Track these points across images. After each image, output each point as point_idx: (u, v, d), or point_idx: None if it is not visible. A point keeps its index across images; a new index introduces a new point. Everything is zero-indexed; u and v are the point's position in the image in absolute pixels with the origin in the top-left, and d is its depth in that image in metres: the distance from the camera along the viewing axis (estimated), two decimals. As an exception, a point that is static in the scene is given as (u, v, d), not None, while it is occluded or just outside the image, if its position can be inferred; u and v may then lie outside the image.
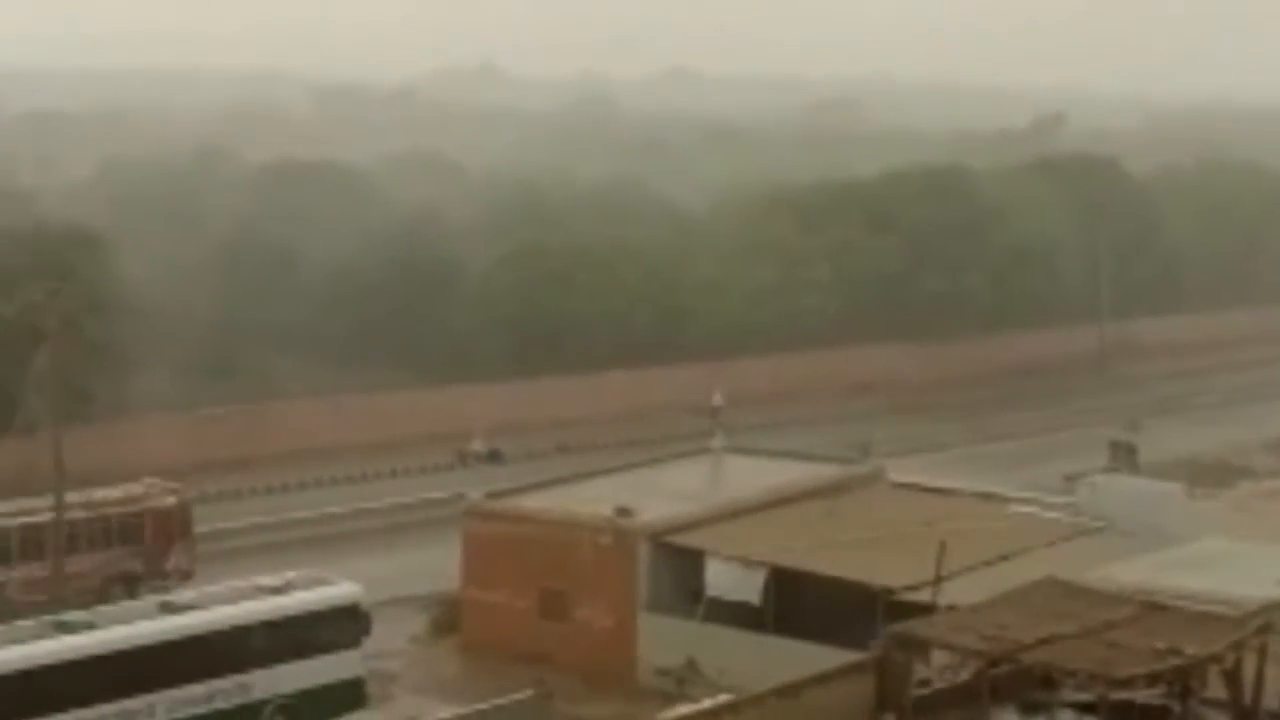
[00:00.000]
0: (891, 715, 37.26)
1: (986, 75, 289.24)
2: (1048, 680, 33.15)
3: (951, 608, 37.48)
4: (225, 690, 39.21)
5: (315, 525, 61.56)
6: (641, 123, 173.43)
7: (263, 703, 39.74)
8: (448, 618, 48.51)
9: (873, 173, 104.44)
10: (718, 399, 54.28)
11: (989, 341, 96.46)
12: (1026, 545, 44.57)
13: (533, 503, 48.78)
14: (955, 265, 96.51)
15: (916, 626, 38.45)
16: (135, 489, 54.49)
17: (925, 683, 36.87)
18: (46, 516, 50.40)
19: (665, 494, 48.95)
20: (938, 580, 38.86)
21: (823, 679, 36.90)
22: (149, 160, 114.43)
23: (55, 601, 46.73)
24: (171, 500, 54.15)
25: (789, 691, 35.76)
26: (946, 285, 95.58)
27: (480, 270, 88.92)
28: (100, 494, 53.39)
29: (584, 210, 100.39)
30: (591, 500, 47.87)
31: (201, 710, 38.72)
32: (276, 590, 41.30)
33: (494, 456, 73.20)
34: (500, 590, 46.77)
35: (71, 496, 50.84)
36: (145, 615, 39.68)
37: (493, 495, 50.17)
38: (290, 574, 42.40)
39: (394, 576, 49.90)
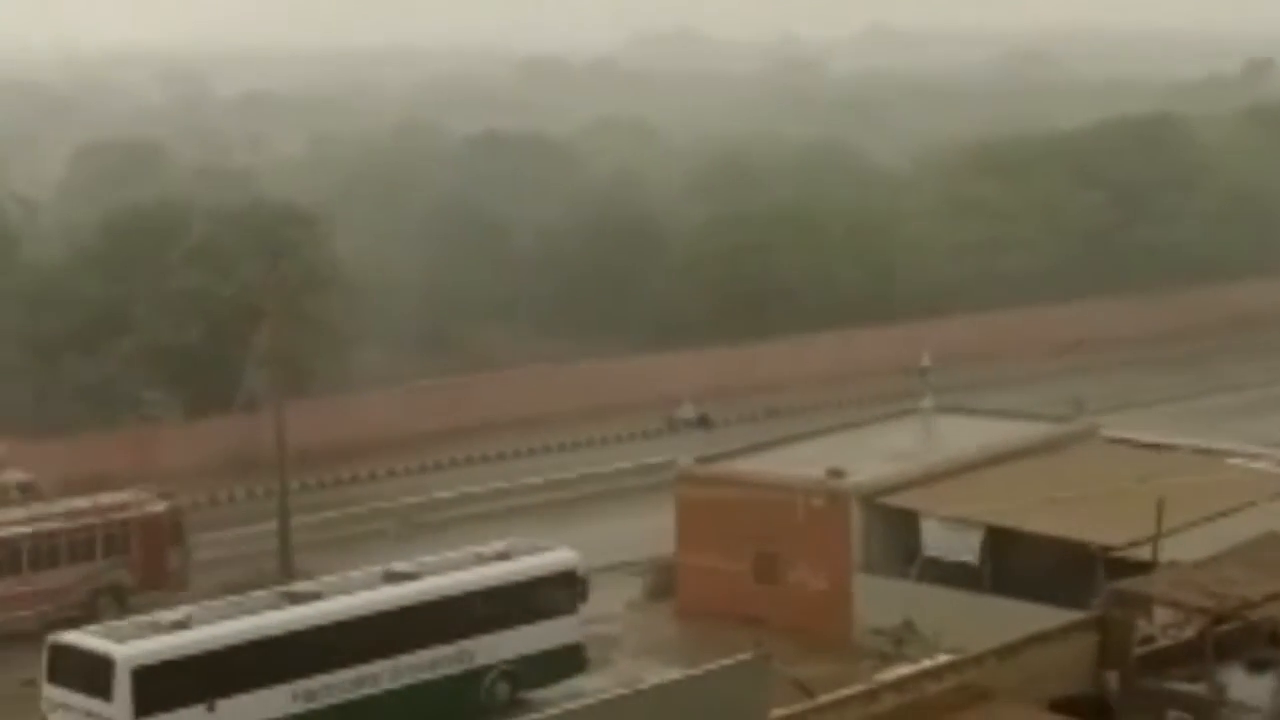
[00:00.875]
0: (1114, 673, 36.89)
1: (1194, 21, 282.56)
2: (1275, 637, 32.64)
3: (1173, 564, 37.00)
4: (449, 657, 39.80)
5: (530, 493, 62.29)
6: (841, 83, 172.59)
7: (485, 669, 40.30)
8: (663, 582, 48.80)
9: (1078, 125, 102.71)
10: (926, 359, 53.79)
11: (1203, 293, 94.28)
12: (1248, 500, 43.73)
13: (744, 466, 48.88)
14: (1167, 216, 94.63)
15: (1138, 583, 38.04)
16: (120, 497, 50.86)
17: (1148, 640, 36.50)
18: (16, 529, 47.91)
19: (876, 455, 48.77)
20: (1157, 536, 38.35)
21: (1043, 638, 36.61)
22: (358, 137, 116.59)
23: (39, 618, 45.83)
24: (160, 507, 50.43)
25: (1010, 651, 35.54)
26: (1158, 237, 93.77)
27: (685, 236, 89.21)
28: (80, 503, 50.01)
29: (787, 172, 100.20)
30: (803, 462, 47.85)
31: (426, 677, 39.34)
32: (496, 558, 41.84)
33: (703, 422, 73.47)
34: (714, 554, 46.95)
35: (45, 508, 49.23)
36: (369, 585, 40.45)
37: (704, 460, 50.38)
38: (508, 542, 42.96)
39: (608, 543, 50.29)
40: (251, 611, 38.49)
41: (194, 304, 67.98)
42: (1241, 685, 32.86)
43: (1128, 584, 38.68)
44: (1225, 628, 32.13)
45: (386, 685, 38.79)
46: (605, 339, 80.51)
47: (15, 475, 54.62)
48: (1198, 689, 32.98)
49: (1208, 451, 50.07)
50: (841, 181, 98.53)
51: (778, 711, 34.21)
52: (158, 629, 37.11)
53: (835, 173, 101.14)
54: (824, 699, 35.10)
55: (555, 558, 42.41)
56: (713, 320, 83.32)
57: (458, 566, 41.52)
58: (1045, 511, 43.02)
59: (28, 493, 53.72)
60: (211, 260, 68.94)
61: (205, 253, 69.87)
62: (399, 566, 41.36)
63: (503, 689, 40.52)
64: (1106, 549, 40.52)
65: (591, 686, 40.17)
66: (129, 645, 36.12)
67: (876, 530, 45.23)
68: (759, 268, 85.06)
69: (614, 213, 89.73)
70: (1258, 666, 32.95)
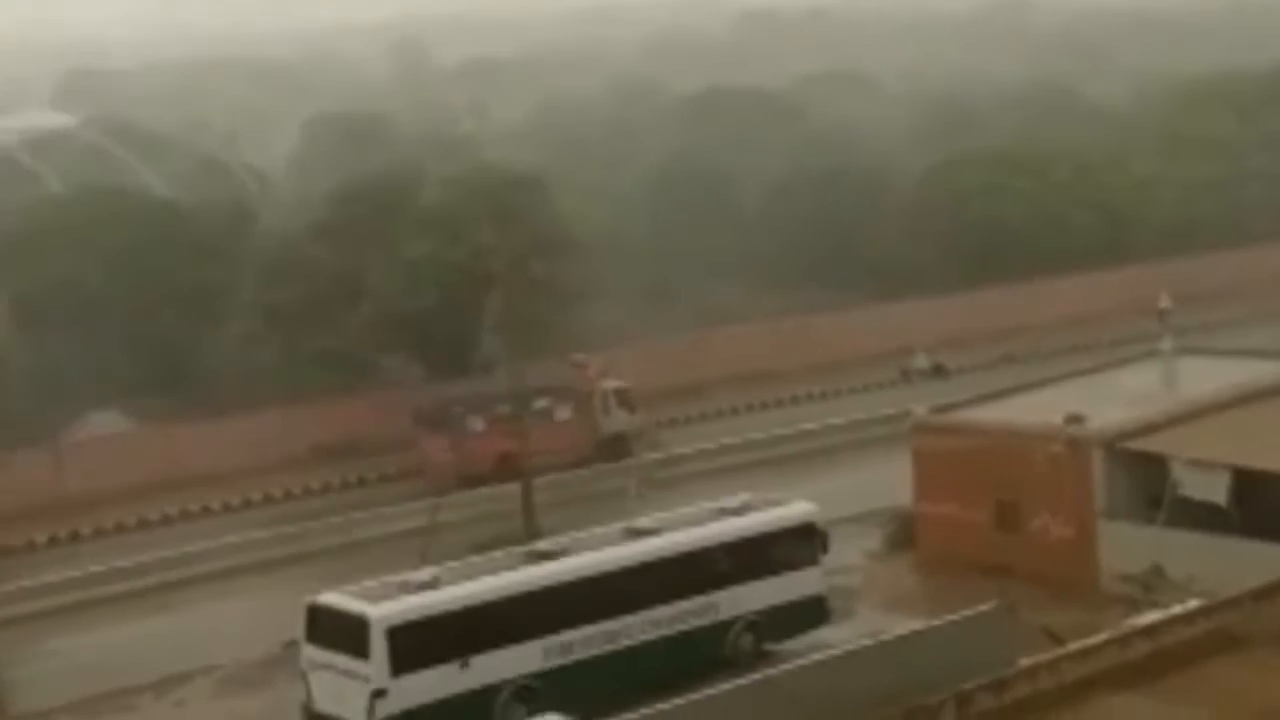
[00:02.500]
0: (1374, 616, 36.15)
1: None
2: None
3: None
4: (694, 610, 40.04)
5: (765, 447, 62.36)
6: (1056, 20, 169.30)
7: (731, 621, 40.49)
8: (902, 532, 48.66)
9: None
10: (1165, 300, 52.76)
11: None
12: None
13: (982, 414, 48.53)
14: None
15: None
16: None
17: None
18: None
19: (1117, 399, 47.97)
20: None
21: (1299, 580, 36.02)
22: (580, 99, 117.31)
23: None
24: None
25: (1264, 594, 35.02)
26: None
27: (909, 184, 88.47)
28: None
29: (1007, 115, 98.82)
30: (1041, 409, 47.30)
31: (672, 631, 39.64)
32: (735, 512, 42.02)
33: (938, 371, 72.99)
34: (953, 503, 46.70)
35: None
36: (613, 541, 40.90)
37: (941, 409, 50.07)
38: (747, 496, 43.12)
39: (847, 494, 50.29)
40: (495, 570, 39.08)
41: (426, 271, 68.96)
42: None
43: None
44: None
45: (635, 639, 39.12)
46: (834, 291, 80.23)
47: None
48: None
49: None
50: (1063, 121, 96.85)
51: (1026, 660, 34.10)
52: (408, 589, 37.85)
53: (1056, 113, 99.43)
54: (1074, 646, 34.92)
55: (794, 510, 42.48)
56: (942, 268, 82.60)
57: (699, 521, 41.77)
58: (1295, 452, 41.98)
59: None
60: (442, 227, 69.86)
61: (435, 220, 70.85)
62: (641, 522, 41.74)
63: (748, 641, 40.64)
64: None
65: (836, 638, 40.20)
66: (383, 605, 36.88)
67: (1118, 476, 44.54)
68: (986, 213, 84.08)
69: (837, 163, 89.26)
70: None
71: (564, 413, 63.00)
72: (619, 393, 64.37)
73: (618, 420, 63.96)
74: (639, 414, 64.42)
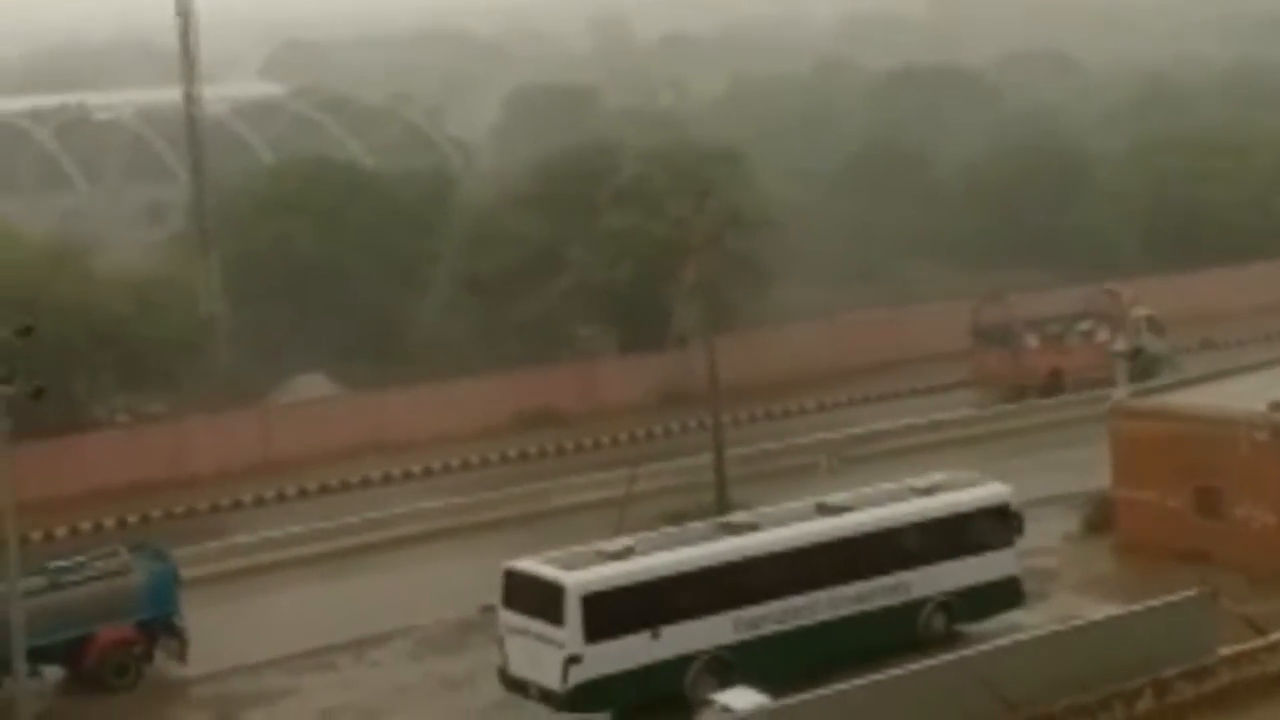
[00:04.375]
0: None
1: None
2: None
3: None
4: (886, 589, 39.99)
5: (964, 426, 62.07)
6: (1266, 3, 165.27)
7: (922, 601, 40.40)
8: (1099, 516, 48.20)
9: None
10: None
11: None
12: None
13: (1182, 399, 47.86)
14: None
15: None
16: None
17: None
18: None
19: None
20: None
21: None
22: (776, 75, 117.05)
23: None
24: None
25: None
26: None
27: (1109, 165, 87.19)
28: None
29: (1212, 97, 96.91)
30: (1243, 395, 46.54)
31: (864, 608, 39.63)
32: (929, 490, 41.85)
33: (1135, 353, 71.80)
34: (1152, 489, 46.23)
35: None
36: (805, 517, 40.91)
37: (1141, 393, 49.44)
38: (940, 475, 42.94)
39: (1043, 476, 49.83)
40: (688, 542, 39.36)
41: (625, 243, 69.43)
42: None
43: None
44: None
45: (825, 615, 39.16)
46: (1032, 272, 79.33)
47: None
48: None
49: None
50: (1269, 104, 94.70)
51: (1227, 649, 33.63)
52: (604, 557, 38.25)
53: (1263, 95, 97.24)
54: (1276, 637, 34.35)
55: (988, 491, 42.25)
56: (1142, 250, 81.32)
57: (891, 499, 41.70)
58: None
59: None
60: (641, 200, 70.24)
61: (634, 193, 71.27)
62: (831, 499, 41.72)
63: (939, 621, 40.53)
64: None
65: (1030, 621, 39.97)
66: (579, 573, 37.36)
67: (1323, 465, 43.73)
68: (1188, 195, 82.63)
69: (1036, 144, 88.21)
70: None
71: (1104, 335, 67.92)
72: (1149, 319, 67.55)
73: (1148, 344, 66.86)
74: (1166, 339, 67.23)
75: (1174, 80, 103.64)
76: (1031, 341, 68.36)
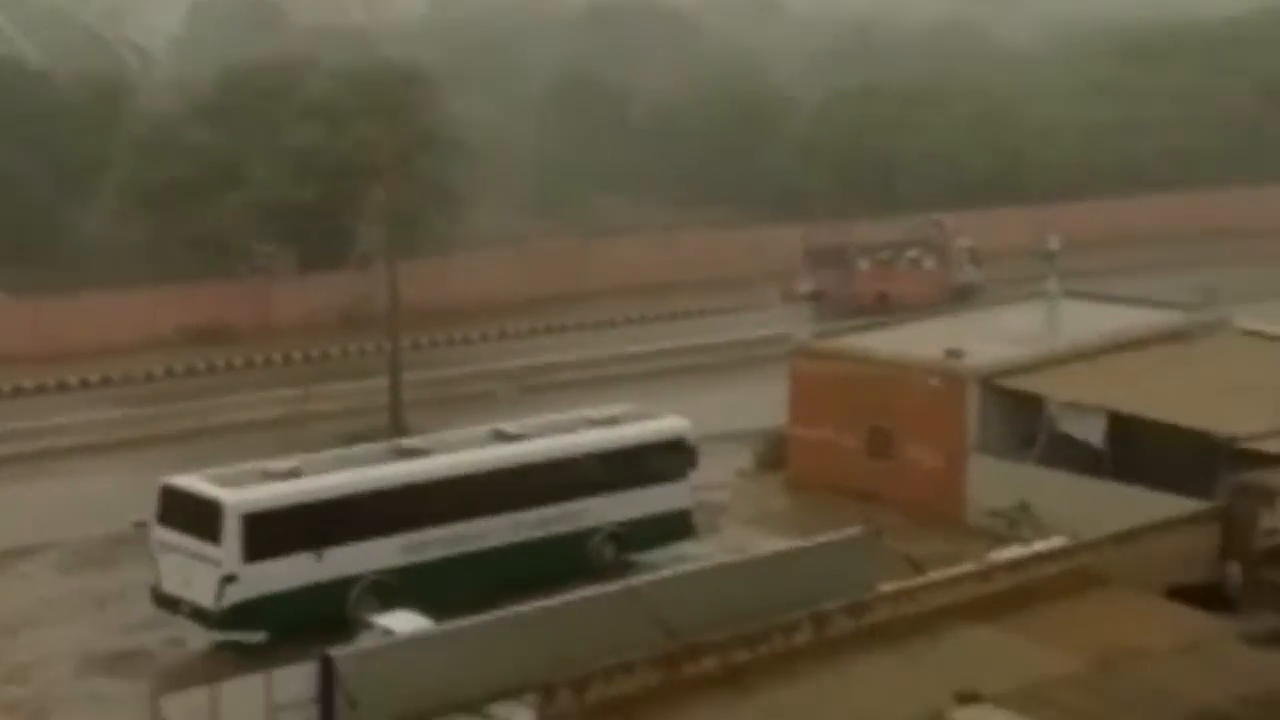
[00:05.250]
0: (1236, 564, 36.15)
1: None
2: None
3: (1302, 457, 36.03)
4: (556, 517, 39.66)
5: (642, 361, 61.87)
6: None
7: (592, 530, 40.15)
8: (773, 454, 48.37)
9: (1221, 14, 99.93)
10: (1053, 242, 52.53)
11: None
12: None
13: (863, 343, 48.22)
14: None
15: (1265, 476, 37.15)
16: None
17: (1273, 532, 35.66)
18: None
19: (997, 337, 47.82)
20: (1287, 428, 37.37)
21: (1164, 526, 35.93)
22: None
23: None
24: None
25: (1128, 537, 34.87)
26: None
27: (807, 110, 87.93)
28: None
29: (915, 51, 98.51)
30: (921, 342, 47.12)
31: (533, 535, 39.24)
32: (604, 423, 41.56)
33: (817, 297, 72.61)
34: (827, 428, 46.46)
35: None
36: (479, 443, 40.26)
37: (821, 334, 49.68)
38: (618, 407, 42.63)
39: (720, 412, 49.84)
40: (360, 464, 38.50)
41: (308, 160, 67.70)
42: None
43: (1254, 476, 37.83)
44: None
45: (494, 542, 38.68)
46: (724, 211, 79.67)
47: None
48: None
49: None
50: (971, 61, 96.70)
51: (887, 586, 33.75)
52: (268, 477, 37.08)
53: (964, 52, 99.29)
54: (935, 576, 34.60)
55: (665, 424, 42.13)
56: (834, 196, 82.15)
57: (567, 429, 41.27)
58: (1171, 400, 41.95)
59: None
60: (327, 117, 68.59)
61: (321, 110, 69.61)
62: (508, 427, 41.12)
63: (609, 550, 40.30)
64: (1233, 439, 39.44)
65: (699, 553, 39.77)
66: (239, 491, 36.19)
67: (993, 413, 44.45)
68: (883, 145, 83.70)
69: (733, 85, 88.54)
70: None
71: (929, 263, 71.77)
72: (970, 250, 72.01)
73: (968, 273, 71.52)
74: (983, 269, 71.13)
75: (878, 30, 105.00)
76: (863, 265, 71.56)
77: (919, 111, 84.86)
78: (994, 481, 43.18)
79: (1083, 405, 42.36)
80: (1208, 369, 45.15)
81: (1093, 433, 41.88)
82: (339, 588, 36.66)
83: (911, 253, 72.40)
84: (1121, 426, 41.81)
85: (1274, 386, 41.94)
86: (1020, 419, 43.80)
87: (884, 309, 65.71)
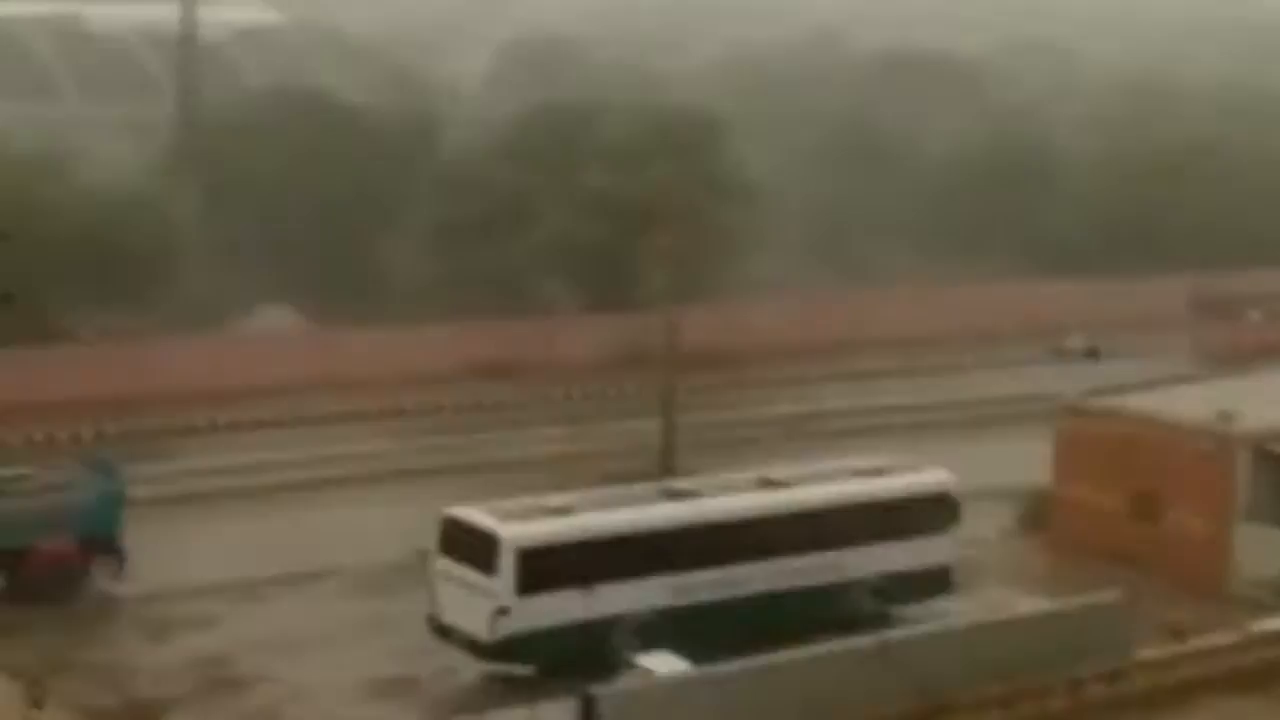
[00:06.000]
0: None
1: None
2: None
3: None
4: (820, 566, 40.16)
5: (909, 412, 62.17)
6: (1261, 17, 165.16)
7: (855, 581, 40.61)
8: (1036, 512, 48.43)
9: None
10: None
11: None
12: None
13: (1131, 403, 48.08)
14: None
15: None
16: None
17: None
18: None
19: (1271, 400, 47.29)
20: None
21: None
22: (771, 45, 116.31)
23: None
24: None
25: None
26: None
27: (1088, 163, 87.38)
28: None
29: (1199, 107, 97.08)
30: (1192, 403, 46.78)
31: (796, 584, 39.79)
32: (869, 473, 42.08)
33: (1091, 354, 72.20)
34: (1091, 489, 46.42)
35: None
36: (745, 488, 41.12)
37: (1091, 394, 49.74)
38: (883, 458, 43.13)
39: (983, 468, 49.99)
40: (630, 504, 39.57)
41: (600, 201, 69.37)
42: None
43: None
44: None
45: (758, 588, 39.33)
46: (1002, 263, 79.42)
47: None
48: None
49: None
50: (1255, 117, 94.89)
51: (1146, 652, 33.99)
52: (543, 513, 38.47)
53: (1249, 108, 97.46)
54: (1193, 644, 34.72)
55: (929, 477, 42.47)
56: (1108, 252, 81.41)
57: (833, 478, 41.90)
58: None
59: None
60: (620, 159, 70.17)
61: (614, 152, 71.18)
62: (775, 473, 41.87)
63: (870, 603, 40.67)
64: None
65: (958, 609, 40.24)
66: (516, 526, 37.57)
67: (1264, 478, 44.05)
68: (1161, 201, 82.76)
69: (1013, 139, 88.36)
70: None
71: None
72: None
73: None
74: None
75: (1167, 85, 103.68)
76: (1254, 315, 72.69)
77: (1200, 169, 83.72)
78: (1261, 550, 42.84)
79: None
80: None
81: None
82: (605, 626, 37.71)
83: None
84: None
85: None
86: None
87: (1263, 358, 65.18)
